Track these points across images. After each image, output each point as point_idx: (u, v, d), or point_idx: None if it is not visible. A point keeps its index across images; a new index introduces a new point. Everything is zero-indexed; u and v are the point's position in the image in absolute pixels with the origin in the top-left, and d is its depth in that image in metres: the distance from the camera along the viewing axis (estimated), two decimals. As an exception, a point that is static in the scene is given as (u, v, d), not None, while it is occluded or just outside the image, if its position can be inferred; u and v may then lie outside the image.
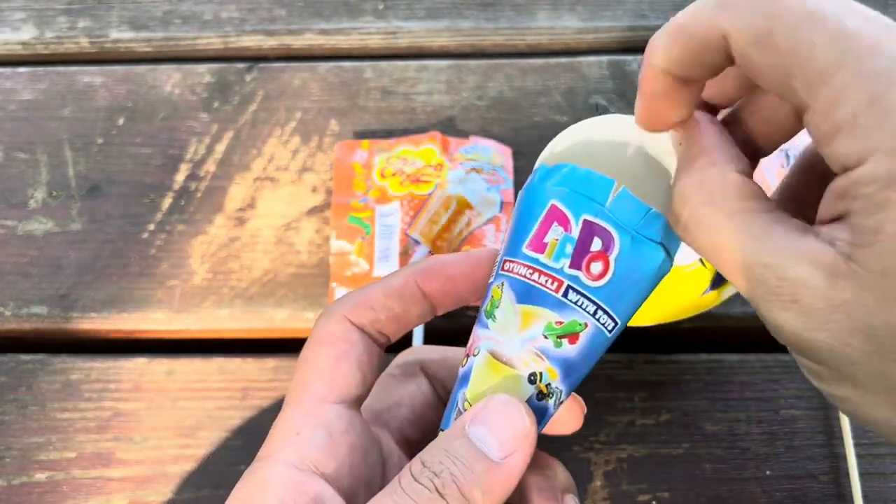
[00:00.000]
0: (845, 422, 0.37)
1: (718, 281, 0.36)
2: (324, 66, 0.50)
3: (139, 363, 0.41)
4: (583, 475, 0.37)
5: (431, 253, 0.41)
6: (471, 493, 0.21)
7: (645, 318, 0.37)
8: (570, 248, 0.22)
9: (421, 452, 0.22)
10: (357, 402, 0.25)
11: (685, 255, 0.35)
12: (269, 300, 0.42)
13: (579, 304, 0.22)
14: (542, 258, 0.22)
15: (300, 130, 0.47)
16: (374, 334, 0.25)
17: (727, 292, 0.37)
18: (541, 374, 0.22)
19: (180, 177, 0.46)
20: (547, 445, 0.30)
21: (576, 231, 0.22)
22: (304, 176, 0.46)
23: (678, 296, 0.36)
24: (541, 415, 0.23)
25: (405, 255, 0.42)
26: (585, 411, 0.26)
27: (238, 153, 0.47)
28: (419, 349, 0.30)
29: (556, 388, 0.23)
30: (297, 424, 0.23)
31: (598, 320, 0.22)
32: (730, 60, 0.20)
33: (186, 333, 0.42)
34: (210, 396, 0.40)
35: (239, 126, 0.48)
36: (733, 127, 0.23)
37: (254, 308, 0.42)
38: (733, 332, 0.41)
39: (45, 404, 0.40)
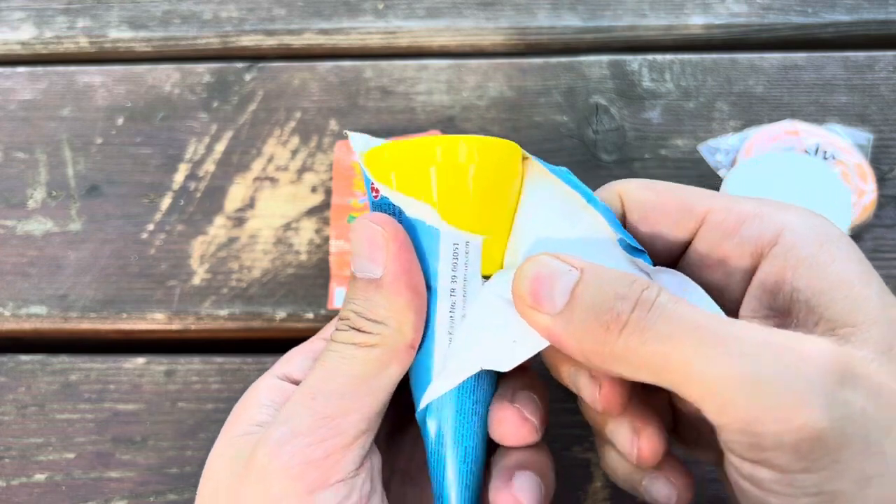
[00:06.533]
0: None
1: None
2: (323, 66, 0.50)
3: (139, 363, 0.41)
4: (583, 475, 0.37)
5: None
6: None
7: None
8: None
9: None
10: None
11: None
12: (269, 300, 0.42)
13: None
14: None
15: (300, 130, 0.47)
16: None
17: None
18: None
19: (179, 177, 0.46)
20: (547, 446, 0.30)
21: None
22: (303, 176, 0.46)
23: None
24: None
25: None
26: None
27: (237, 153, 0.47)
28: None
29: None
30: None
31: None
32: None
33: (186, 333, 0.42)
34: (210, 397, 0.40)
35: (238, 126, 0.48)
36: None
37: (254, 308, 0.42)
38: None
39: (44, 405, 0.40)
